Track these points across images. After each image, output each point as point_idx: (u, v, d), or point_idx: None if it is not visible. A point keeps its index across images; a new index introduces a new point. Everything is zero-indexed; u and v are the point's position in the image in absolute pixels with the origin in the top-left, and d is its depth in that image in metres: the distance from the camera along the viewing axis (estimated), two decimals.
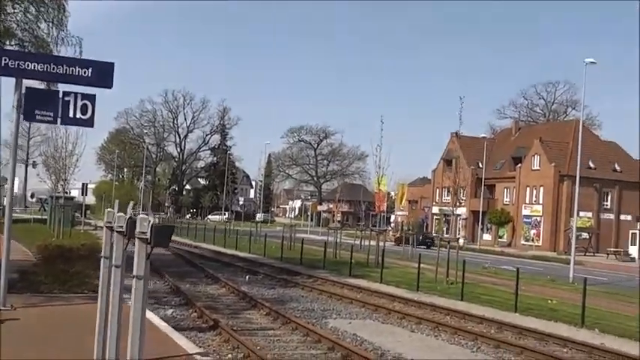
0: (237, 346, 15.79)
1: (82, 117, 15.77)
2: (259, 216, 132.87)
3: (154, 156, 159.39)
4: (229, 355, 15.10)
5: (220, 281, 29.25)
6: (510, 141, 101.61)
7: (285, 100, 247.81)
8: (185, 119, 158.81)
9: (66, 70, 15.63)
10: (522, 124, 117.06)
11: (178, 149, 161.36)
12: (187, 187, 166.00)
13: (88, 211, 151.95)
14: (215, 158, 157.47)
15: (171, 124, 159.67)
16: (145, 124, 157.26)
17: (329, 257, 44.35)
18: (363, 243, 51.00)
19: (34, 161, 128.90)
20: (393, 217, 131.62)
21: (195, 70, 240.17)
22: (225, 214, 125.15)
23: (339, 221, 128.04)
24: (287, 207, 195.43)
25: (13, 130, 16.10)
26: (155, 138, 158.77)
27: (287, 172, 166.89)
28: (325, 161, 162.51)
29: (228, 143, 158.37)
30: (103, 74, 15.83)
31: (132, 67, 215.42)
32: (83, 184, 70.10)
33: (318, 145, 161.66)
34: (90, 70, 15.68)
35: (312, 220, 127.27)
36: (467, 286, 28.84)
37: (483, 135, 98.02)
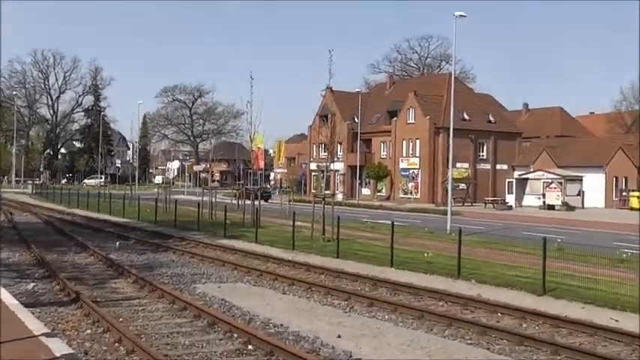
0: (98, 320, 14.91)
1: None
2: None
3: (26, 119, 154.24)
4: (88, 331, 14.20)
5: (89, 249, 28.07)
6: (385, 95, 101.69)
7: (157, 57, 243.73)
8: (57, 80, 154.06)
9: None
10: (397, 78, 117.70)
11: (51, 111, 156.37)
12: (63, 150, 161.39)
13: None
14: (89, 120, 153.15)
15: (43, 86, 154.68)
16: (15, 86, 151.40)
17: (205, 218, 43.59)
18: (239, 203, 50.17)
19: None
20: (272, 175, 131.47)
21: (64, 27, 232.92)
22: (101, 178, 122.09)
23: (216, 181, 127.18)
24: (165, 168, 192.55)
25: None
26: (27, 100, 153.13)
27: (163, 132, 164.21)
28: (201, 120, 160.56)
29: (102, 104, 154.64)
30: None
31: None
32: None
33: (193, 104, 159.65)
34: None
35: (190, 180, 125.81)
36: (343, 243, 28.50)
37: (358, 90, 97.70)
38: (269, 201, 70.40)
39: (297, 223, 31.83)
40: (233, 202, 54.75)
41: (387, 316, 16.26)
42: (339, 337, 13.95)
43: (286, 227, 34.60)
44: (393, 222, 26.29)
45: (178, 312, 16.14)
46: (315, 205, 35.02)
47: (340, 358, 12.42)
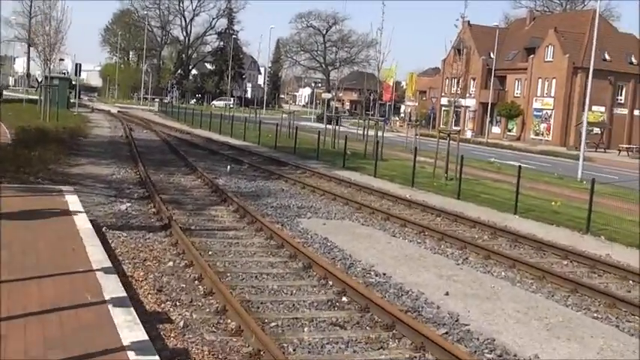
0: (183, 252, 13.55)
1: None
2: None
3: (159, 39, 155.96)
4: (170, 264, 12.85)
5: (198, 171, 26.89)
6: (524, 31, 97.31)
7: None
8: (191, 1, 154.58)
9: None
10: (538, 13, 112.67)
11: (184, 33, 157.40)
12: (194, 72, 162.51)
13: (95, 94, 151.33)
14: (222, 43, 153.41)
15: (177, 7, 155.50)
16: (150, 6, 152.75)
17: (327, 147, 42.20)
18: (364, 133, 48.42)
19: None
20: (403, 107, 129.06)
21: None
22: (230, 100, 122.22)
23: (347, 110, 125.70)
24: (297, 95, 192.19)
25: None
26: (160, 21, 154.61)
27: (295, 58, 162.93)
28: (334, 48, 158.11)
29: (236, 27, 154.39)
30: None
31: None
32: (76, 64, 67.66)
33: (327, 32, 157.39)
34: None
35: (320, 108, 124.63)
36: (466, 183, 26.55)
37: (496, 24, 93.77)
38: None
39: (421, 159, 30.08)
40: (358, 131, 53.17)
41: (503, 273, 14.19)
42: (446, 294, 12.11)
43: (408, 162, 32.76)
44: (520, 166, 24.15)
45: (274, 249, 14.61)
46: (441, 140, 32.97)
47: (444, 322, 10.60)
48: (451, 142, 31.47)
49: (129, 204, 18.90)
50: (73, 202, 13.89)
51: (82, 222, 11.95)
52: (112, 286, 8.47)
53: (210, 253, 13.92)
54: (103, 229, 15.01)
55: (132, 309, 7.81)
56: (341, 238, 16.31)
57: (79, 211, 12.88)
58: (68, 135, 36.84)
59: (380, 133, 40.73)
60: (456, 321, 10.66)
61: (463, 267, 14.46)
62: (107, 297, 8.08)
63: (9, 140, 30.72)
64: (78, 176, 23.38)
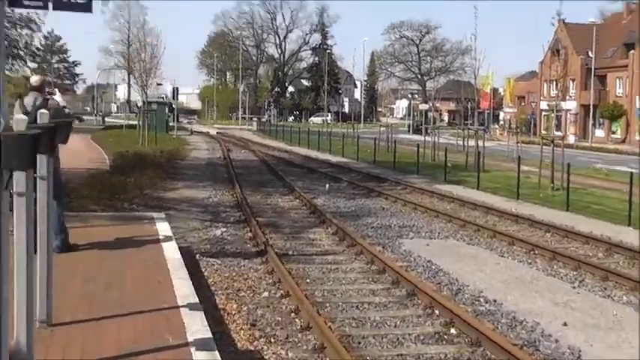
0: (279, 280, 12.89)
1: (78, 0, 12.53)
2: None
3: (254, 58, 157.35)
4: (265, 294, 12.20)
5: (296, 191, 26.28)
6: (622, 26, 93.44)
7: None
8: (284, 19, 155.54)
9: None
10: (635, 6, 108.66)
11: (279, 50, 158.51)
12: (290, 88, 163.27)
13: (195, 116, 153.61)
14: (316, 58, 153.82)
15: (270, 25, 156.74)
16: (244, 26, 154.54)
17: (426, 160, 41.29)
18: (464, 144, 47.18)
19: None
20: (501, 115, 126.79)
21: None
22: (327, 116, 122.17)
23: (443, 121, 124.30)
24: (394, 107, 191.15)
25: None
26: (255, 40, 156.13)
27: (390, 70, 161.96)
28: (428, 58, 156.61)
29: (329, 42, 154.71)
30: None
31: None
32: (174, 88, 68.39)
33: (420, 41, 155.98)
34: None
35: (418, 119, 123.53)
36: (574, 193, 25.34)
37: (592, 20, 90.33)
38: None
39: (525, 168, 28.94)
40: (458, 142, 52.07)
41: (625, 298, 12.93)
42: (564, 325, 11.07)
43: (511, 172, 31.62)
44: (632, 173, 22.84)
45: (375, 275, 13.80)
46: (544, 147, 31.70)
47: (565, 359, 9.62)
48: (555, 148, 30.24)
49: (224, 229, 18.38)
50: (163, 229, 13.36)
51: (172, 252, 11.38)
52: (196, 326, 7.84)
53: (307, 280, 13.24)
54: (197, 256, 14.52)
55: (216, 352, 7.14)
56: (446, 260, 15.40)
57: (169, 240, 12.36)
58: (165, 159, 36.82)
59: (480, 143, 39.65)
60: (578, 358, 9.65)
61: (580, 291, 13.31)
62: (190, 338, 7.44)
63: (107, 167, 30.73)
64: (173, 201, 23.07)
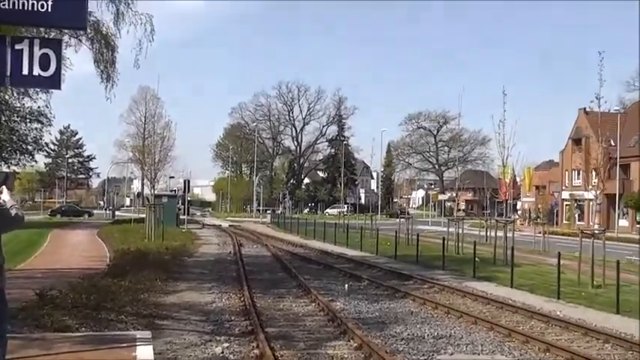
0: None
1: (42, 74, 9.89)
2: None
3: (270, 150, 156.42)
4: None
5: (311, 293, 23.37)
6: None
7: (401, 85, 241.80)
8: (300, 111, 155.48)
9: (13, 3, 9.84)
10: None
11: (295, 142, 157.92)
12: (306, 180, 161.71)
13: (209, 208, 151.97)
14: (333, 150, 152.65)
15: (287, 117, 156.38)
16: (260, 119, 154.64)
17: (450, 253, 38.37)
18: (488, 234, 44.31)
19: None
20: (519, 204, 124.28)
21: (307, 60, 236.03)
22: (343, 208, 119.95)
23: (462, 210, 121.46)
24: (410, 197, 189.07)
25: None
26: (271, 132, 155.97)
27: (407, 160, 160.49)
28: (446, 148, 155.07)
29: (346, 134, 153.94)
30: (68, 7, 9.95)
31: (244, 60, 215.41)
32: (185, 180, 66.46)
33: (437, 132, 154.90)
34: (49, 2, 9.83)
35: (434, 209, 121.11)
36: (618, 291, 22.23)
37: (616, 108, 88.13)
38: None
39: (552, 261, 26.09)
40: (481, 233, 49.25)
41: None
42: None
43: (543, 266, 28.97)
44: None
45: None
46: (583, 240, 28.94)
47: None
48: (595, 241, 27.47)
49: (226, 344, 15.39)
50: (143, 356, 10.56)
51: None
52: None
53: None
54: None
55: None
56: None
57: None
58: (171, 255, 34.12)
59: (510, 235, 36.87)
60: None
61: None
62: None
63: (105, 266, 28.05)
64: (172, 307, 20.20)
